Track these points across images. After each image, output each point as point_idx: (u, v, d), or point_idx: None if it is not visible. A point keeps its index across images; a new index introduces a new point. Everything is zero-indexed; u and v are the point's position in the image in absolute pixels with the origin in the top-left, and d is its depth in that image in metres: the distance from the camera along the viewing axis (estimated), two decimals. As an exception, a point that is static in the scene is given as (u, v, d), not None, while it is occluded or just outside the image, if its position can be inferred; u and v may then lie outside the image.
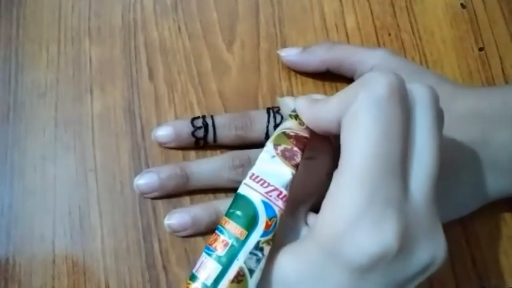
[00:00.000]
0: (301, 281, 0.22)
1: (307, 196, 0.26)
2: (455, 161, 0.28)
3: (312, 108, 0.24)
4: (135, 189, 0.31)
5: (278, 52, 0.34)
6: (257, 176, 0.23)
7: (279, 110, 0.31)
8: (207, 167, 0.30)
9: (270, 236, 0.22)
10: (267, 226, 0.22)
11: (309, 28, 0.35)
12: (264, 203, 0.23)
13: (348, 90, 0.22)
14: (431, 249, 0.21)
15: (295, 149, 0.24)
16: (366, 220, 0.20)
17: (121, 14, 0.35)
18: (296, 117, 0.25)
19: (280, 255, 0.23)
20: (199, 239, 0.30)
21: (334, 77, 0.33)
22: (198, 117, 0.31)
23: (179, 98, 0.33)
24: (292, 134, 0.24)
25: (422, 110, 0.22)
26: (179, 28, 0.35)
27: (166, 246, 0.30)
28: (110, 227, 0.30)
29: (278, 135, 0.24)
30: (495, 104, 0.29)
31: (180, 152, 0.32)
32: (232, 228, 0.22)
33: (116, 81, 0.33)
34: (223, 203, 0.30)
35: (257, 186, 0.23)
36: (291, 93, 0.33)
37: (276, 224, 0.23)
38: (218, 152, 0.32)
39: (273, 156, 0.24)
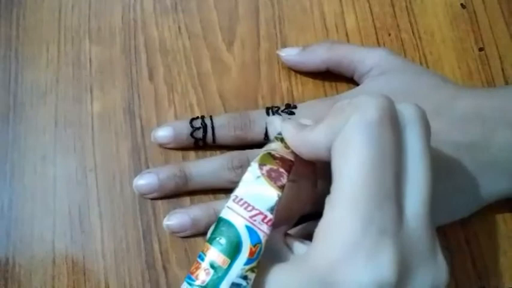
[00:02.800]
0: None
1: (288, 218, 0.26)
2: (455, 162, 0.28)
3: (299, 135, 0.24)
4: (134, 190, 0.31)
5: (278, 52, 0.34)
6: (241, 199, 0.22)
7: (278, 109, 0.31)
8: (206, 167, 0.30)
9: (254, 263, 0.21)
10: (251, 253, 0.21)
11: (309, 28, 0.35)
12: (248, 228, 0.21)
13: (337, 115, 0.22)
14: (431, 275, 0.21)
15: (281, 169, 0.23)
16: (361, 251, 0.20)
17: (121, 14, 0.35)
18: (282, 140, 0.25)
19: (267, 276, 0.22)
20: (199, 239, 0.30)
21: (334, 77, 0.33)
22: (197, 117, 0.31)
23: (179, 98, 0.33)
24: (277, 155, 0.23)
25: (413, 130, 0.21)
26: (179, 28, 0.35)
27: (166, 246, 0.30)
28: (110, 227, 0.30)
29: (263, 155, 0.23)
30: (495, 105, 0.29)
31: (179, 152, 0.32)
32: (214, 256, 0.21)
33: (116, 82, 0.33)
34: (222, 203, 0.30)
35: (241, 210, 0.22)
36: (291, 94, 0.33)
37: (260, 250, 0.21)
38: (218, 152, 0.32)
39: (258, 177, 0.22)
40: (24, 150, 0.32)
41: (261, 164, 0.23)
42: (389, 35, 0.35)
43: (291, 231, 0.27)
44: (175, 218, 0.30)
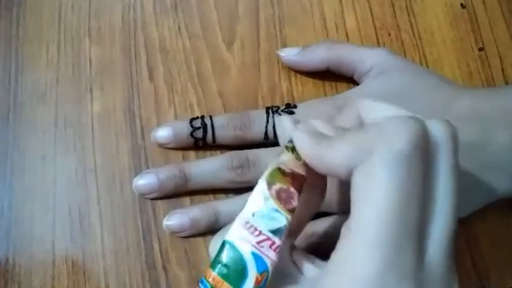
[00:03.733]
0: None
1: (294, 231, 0.24)
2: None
3: (315, 149, 0.21)
4: (134, 190, 0.31)
5: (278, 52, 0.34)
6: (247, 222, 0.20)
7: (278, 109, 0.31)
8: (206, 167, 0.30)
9: None
10: (258, 282, 0.20)
11: (309, 28, 0.35)
12: (255, 255, 0.20)
13: (362, 137, 0.20)
14: None
15: (292, 189, 0.21)
16: None
17: (121, 14, 0.35)
18: (293, 150, 0.22)
19: None
20: (199, 239, 0.30)
21: (334, 77, 0.33)
22: (197, 117, 0.31)
23: (179, 98, 0.33)
24: (288, 171, 0.21)
25: (445, 158, 0.19)
26: (179, 28, 0.35)
27: (166, 246, 0.30)
28: (110, 227, 0.30)
29: (273, 172, 0.21)
30: (495, 105, 0.29)
31: (179, 152, 0.32)
32: (217, 283, 0.20)
33: (116, 82, 0.33)
34: (222, 203, 0.30)
35: (247, 234, 0.20)
36: (291, 94, 0.33)
37: (267, 278, 0.20)
38: (218, 152, 0.32)
39: (267, 199, 0.21)
40: (24, 150, 0.32)
41: (270, 183, 0.21)
42: (390, 35, 0.35)
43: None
44: (175, 218, 0.30)
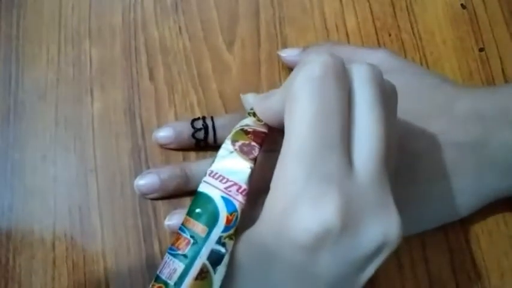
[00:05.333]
0: (253, 264, 0.22)
1: (268, 187, 0.26)
2: (456, 162, 0.28)
3: (263, 102, 0.25)
4: (135, 190, 0.31)
5: (279, 53, 0.34)
6: (216, 173, 0.23)
7: None
8: (207, 167, 0.30)
9: (231, 231, 0.22)
10: (228, 221, 0.22)
11: (310, 28, 0.35)
12: (224, 198, 0.23)
13: (289, 77, 0.23)
14: (381, 226, 0.21)
15: (253, 143, 0.24)
16: (305, 197, 0.20)
17: (121, 14, 0.35)
18: (254, 114, 0.26)
19: (236, 244, 0.22)
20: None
21: (334, 78, 0.33)
22: (198, 118, 0.31)
23: (179, 99, 0.33)
24: (250, 130, 0.25)
25: (360, 86, 0.22)
26: (179, 28, 0.35)
27: (167, 246, 0.30)
28: (110, 228, 0.30)
29: (236, 132, 0.25)
30: (496, 105, 0.29)
31: (180, 153, 0.32)
32: (193, 226, 0.22)
33: (116, 82, 0.33)
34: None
35: (216, 182, 0.23)
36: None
37: (237, 218, 0.23)
38: (218, 152, 0.32)
39: (231, 152, 0.24)
40: (24, 150, 0.32)
41: (234, 140, 0.24)
42: (390, 35, 0.35)
43: None
44: (176, 218, 0.30)
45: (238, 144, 0.24)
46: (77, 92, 0.33)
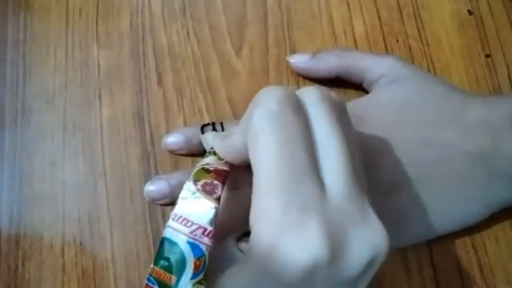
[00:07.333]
0: None
1: (236, 225, 0.26)
2: (466, 171, 0.28)
3: (224, 141, 0.25)
4: (145, 196, 0.31)
5: (287, 58, 0.34)
6: (180, 217, 0.23)
7: None
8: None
9: (201, 276, 0.22)
10: (196, 267, 0.22)
11: (318, 34, 0.35)
12: (190, 243, 0.22)
13: (245, 115, 0.23)
14: (367, 242, 0.20)
15: (216, 182, 0.24)
16: (287, 232, 0.20)
17: (129, 18, 0.35)
18: (215, 153, 0.26)
19: (220, 282, 0.22)
20: (209, 245, 0.30)
21: (342, 84, 0.33)
22: (208, 124, 0.31)
23: (188, 104, 0.33)
24: (211, 168, 0.24)
25: (313, 108, 0.22)
26: (188, 33, 0.35)
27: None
28: (120, 234, 0.30)
29: (197, 172, 0.24)
30: (504, 114, 0.29)
31: (189, 158, 0.32)
32: (161, 276, 0.22)
33: (125, 87, 0.33)
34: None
35: (181, 227, 0.22)
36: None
37: (205, 262, 0.22)
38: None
39: (194, 193, 0.23)
40: (32, 155, 0.32)
41: (196, 180, 0.24)
42: (397, 41, 0.35)
43: None
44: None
45: (200, 183, 0.24)
46: (85, 96, 0.33)
